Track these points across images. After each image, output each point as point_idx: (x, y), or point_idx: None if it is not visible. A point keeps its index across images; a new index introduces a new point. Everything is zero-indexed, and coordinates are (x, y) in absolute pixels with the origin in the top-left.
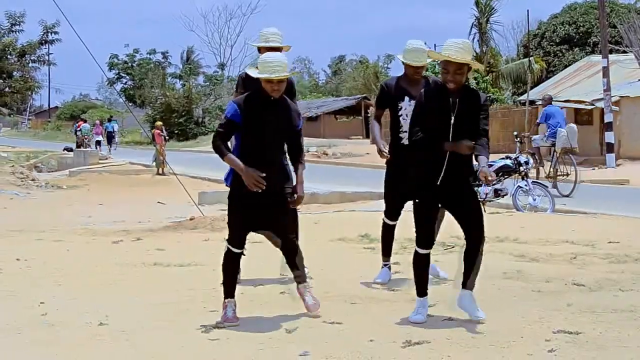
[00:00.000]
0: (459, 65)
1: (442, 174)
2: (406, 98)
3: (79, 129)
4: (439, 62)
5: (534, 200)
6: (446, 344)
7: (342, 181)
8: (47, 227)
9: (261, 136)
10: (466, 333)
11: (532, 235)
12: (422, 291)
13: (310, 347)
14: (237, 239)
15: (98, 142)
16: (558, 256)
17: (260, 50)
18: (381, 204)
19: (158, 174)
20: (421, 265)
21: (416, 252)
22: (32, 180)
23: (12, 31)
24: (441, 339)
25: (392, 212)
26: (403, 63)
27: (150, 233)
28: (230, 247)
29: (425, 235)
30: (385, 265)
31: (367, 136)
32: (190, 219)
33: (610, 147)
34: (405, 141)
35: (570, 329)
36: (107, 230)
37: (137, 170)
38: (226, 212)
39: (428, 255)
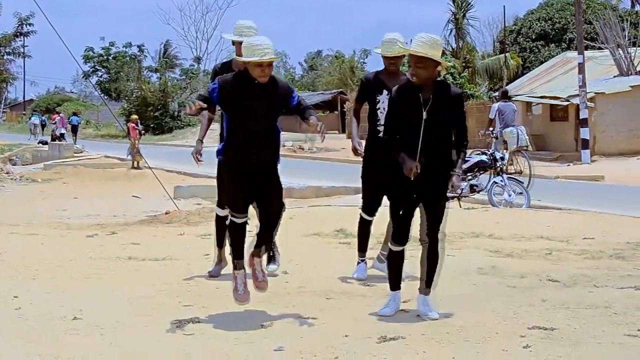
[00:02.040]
0: (419, 58)
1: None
2: (384, 92)
3: (53, 121)
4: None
5: (510, 196)
6: (421, 339)
7: (318, 176)
8: (22, 221)
9: (246, 120)
10: (441, 329)
11: (508, 231)
12: (394, 285)
13: (285, 342)
14: (239, 205)
15: (62, 135)
16: (533, 252)
17: (234, 43)
18: (357, 199)
19: (133, 167)
20: (395, 261)
21: (390, 248)
22: (7, 173)
23: None
24: (416, 334)
25: (370, 207)
26: (381, 56)
27: (125, 227)
28: (233, 216)
29: (400, 232)
30: (361, 260)
31: (344, 131)
32: (166, 213)
33: (585, 143)
34: (382, 134)
35: (545, 325)
36: (81, 224)
37: (112, 164)
38: (201, 207)
39: (402, 251)
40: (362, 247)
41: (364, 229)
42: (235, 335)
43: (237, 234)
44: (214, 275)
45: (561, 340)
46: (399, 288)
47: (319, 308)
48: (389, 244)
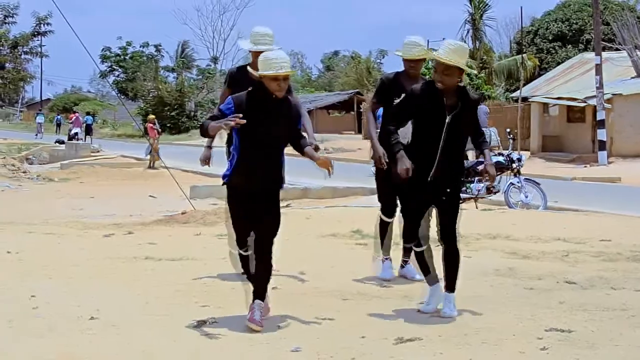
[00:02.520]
0: (447, 66)
1: (433, 171)
2: (403, 95)
3: (71, 121)
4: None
5: (526, 197)
6: (438, 340)
7: (334, 176)
8: (38, 220)
9: (259, 137)
10: (458, 330)
11: (524, 232)
12: (430, 281)
13: (301, 343)
14: (240, 240)
15: (75, 135)
16: (550, 254)
17: (250, 51)
18: (374, 200)
19: (150, 167)
20: (419, 259)
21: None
22: (24, 172)
23: (5, 23)
24: (433, 335)
25: (389, 209)
26: (402, 59)
27: (142, 227)
28: (238, 249)
29: (410, 231)
30: (386, 259)
31: (360, 131)
32: (182, 213)
33: (602, 145)
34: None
35: (563, 327)
36: (98, 224)
37: (128, 164)
38: (217, 207)
39: (421, 248)
40: (386, 247)
41: (384, 229)
42: (252, 336)
43: (247, 262)
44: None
45: (578, 343)
46: (436, 281)
47: (336, 309)
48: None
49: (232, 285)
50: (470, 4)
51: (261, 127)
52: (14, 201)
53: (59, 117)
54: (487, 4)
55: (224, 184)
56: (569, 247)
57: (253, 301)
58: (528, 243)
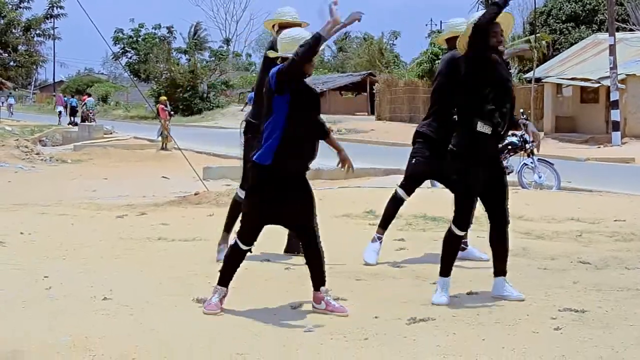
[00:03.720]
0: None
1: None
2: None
3: (83, 103)
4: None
5: (540, 177)
6: (451, 321)
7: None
8: (52, 201)
9: (307, 116)
10: (471, 310)
11: (538, 212)
12: (447, 271)
13: (315, 323)
14: (250, 235)
15: (59, 113)
16: (564, 234)
17: (275, 27)
18: (387, 180)
19: (162, 149)
20: (455, 246)
21: (453, 233)
22: (37, 154)
23: (20, 7)
24: (446, 316)
25: (411, 188)
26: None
27: (155, 208)
28: (239, 241)
29: (468, 217)
30: (379, 238)
31: (372, 112)
32: (195, 194)
33: (616, 125)
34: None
35: (576, 307)
36: (111, 205)
37: (141, 145)
38: (230, 187)
39: (462, 237)
40: (385, 224)
41: (396, 206)
42: (265, 316)
43: (235, 260)
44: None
45: (592, 323)
46: (449, 275)
47: (349, 289)
48: (453, 228)
49: (245, 265)
50: None
51: (309, 105)
52: (27, 183)
53: (73, 99)
54: None
55: (263, 166)
56: (582, 227)
57: (317, 289)
58: (541, 223)
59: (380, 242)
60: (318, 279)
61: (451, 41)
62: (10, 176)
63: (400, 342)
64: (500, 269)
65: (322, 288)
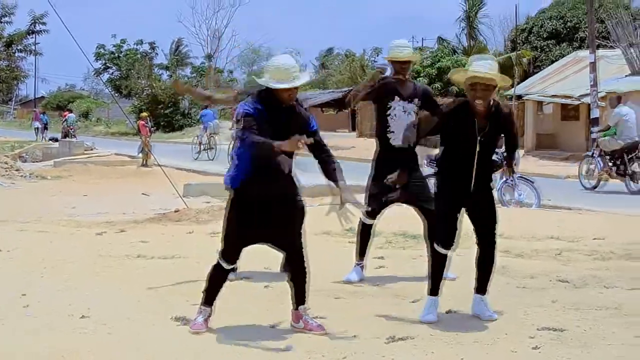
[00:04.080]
0: (487, 84)
1: (472, 187)
2: (396, 98)
3: (64, 119)
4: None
5: (520, 195)
6: (430, 340)
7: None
8: (31, 218)
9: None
10: (450, 329)
11: (518, 230)
12: (435, 290)
13: (294, 341)
14: (232, 254)
15: (37, 129)
16: (543, 252)
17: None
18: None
19: (143, 165)
20: (440, 265)
21: (436, 251)
22: (17, 170)
23: (1, 22)
24: (425, 335)
25: (374, 212)
26: (389, 61)
27: (134, 225)
28: (221, 261)
29: (449, 235)
30: (358, 264)
31: (354, 129)
32: (175, 211)
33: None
34: (394, 141)
35: (555, 326)
36: (91, 222)
37: (122, 162)
38: (210, 205)
39: (446, 255)
40: (362, 251)
41: (366, 233)
42: (245, 335)
43: (218, 279)
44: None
45: (571, 342)
46: (438, 294)
47: (328, 308)
48: (435, 246)
49: (225, 284)
50: (465, 2)
51: (275, 134)
52: (6, 199)
53: (45, 116)
54: (481, 2)
55: (233, 189)
56: (562, 245)
57: (296, 308)
58: (521, 241)
59: (362, 268)
60: (299, 297)
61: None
62: None
63: None
64: (481, 287)
65: (301, 307)
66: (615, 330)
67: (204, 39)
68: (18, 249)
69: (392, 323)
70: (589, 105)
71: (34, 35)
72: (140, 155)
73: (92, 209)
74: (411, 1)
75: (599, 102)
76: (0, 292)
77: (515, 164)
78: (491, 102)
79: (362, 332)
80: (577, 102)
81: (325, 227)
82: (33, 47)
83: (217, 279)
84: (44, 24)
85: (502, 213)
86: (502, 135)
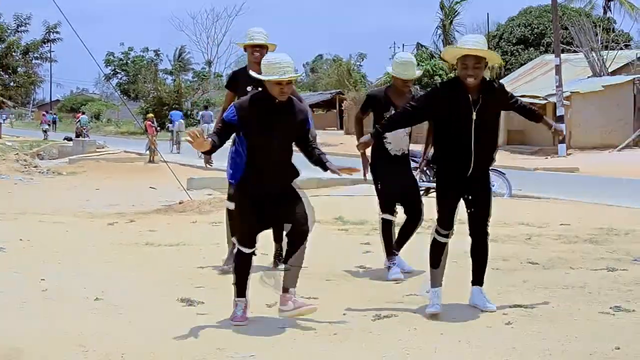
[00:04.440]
0: (479, 58)
1: (471, 169)
2: (392, 109)
3: (77, 120)
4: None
5: (493, 186)
6: (413, 317)
7: (318, 168)
8: (48, 210)
9: (267, 141)
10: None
11: (491, 218)
12: (437, 281)
13: (288, 320)
14: (248, 239)
15: (45, 131)
16: (514, 237)
17: (246, 48)
18: (355, 189)
19: (150, 161)
20: (440, 254)
21: (436, 242)
22: (35, 167)
23: (18, 31)
24: (408, 313)
25: (389, 206)
26: (392, 76)
27: (143, 215)
28: (241, 248)
29: (449, 225)
30: (393, 264)
31: (341, 128)
32: (180, 203)
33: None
34: (392, 151)
35: (526, 304)
36: (103, 213)
37: (131, 158)
38: (212, 197)
39: (446, 244)
40: (390, 251)
41: (388, 230)
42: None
43: (243, 266)
44: (227, 270)
45: (540, 318)
46: (440, 285)
47: (320, 289)
48: (435, 234)
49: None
50: (442, 11)
51: (269, 132)
52: (26, 193)
53: (54, 115)
54: (456, 11)
55: (235, 184)
56: (531, 231)
57: (287, 291)
58: (494, 227)
59: (396, 265)
60: (292, 280)
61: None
62: (10, 187)
63: (366, 336)
64: (477, 279)
65: (291, 289)
66: (580, 307)
67: (204, 46)
68: (37, 239)
69: (378, 302)
70: (555, 104)
71: (49, 44)
72: (148, 152)
73: (104, 201)
74: (392, 11)
75: (564, 101)
76: (21, 278)
77: None
78: (482, 79)
79: (351, 310)
80: (544, 102)
81: (316, 217)
82: (48, 55)
83: (242, 267)
84: (57, 32)
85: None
86: (501, 111)
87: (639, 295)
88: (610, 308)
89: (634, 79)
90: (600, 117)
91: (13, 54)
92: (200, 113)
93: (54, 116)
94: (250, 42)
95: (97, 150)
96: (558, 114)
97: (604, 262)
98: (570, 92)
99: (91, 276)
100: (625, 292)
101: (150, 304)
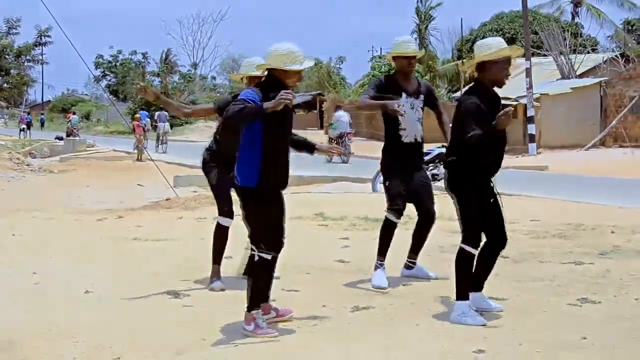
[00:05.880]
0: (509, 60)
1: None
2: (403, 94)
3: (68, 120)
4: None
5: None
6: (390, 309)
7: (299, 166)
8: (40, 207)
9: (286, 132)
10: (407, 300)
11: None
12: (466, 292)
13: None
14: (274, 241)
15: (22, 130)
16: None
17: (244, 79)
18: (335, 187)
19: (138, 160)
20: (469, 267)
21: (465, 252)
22: (27, 165)
23: (10, 34)
24: (385, 304)
25: (398, 210)
26: (395, 58)
27: (131, 212)
28: (264, 254)
29: (479, 234)
30: (380, 265)
31: (321, 127)
32: (166, 200)
33: (531, 138)
34: (406, 139)
35: (498, 296)
36: (93, 209)
37: (120, 157)
38: (197, 194)
39: (474, 255)
40: (384, 251)
41: (390, 231)
42: (227, 306)
43: (265, 273)
44: (217, 289)
45: (511, 309)
46: (468, 296)
47: (301, 282)
48: (463, 246)
49: (210, 262)
50: (417, 15)
51: (287, 122)
52: (18, 190)
53: (42, 116)
54: (432, 16)
55: (251, 188)
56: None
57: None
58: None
59: (384, 269)
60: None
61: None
62: (3, 185)
63: (345, 326)
64: (479, 285)
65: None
66: (550, 299)
67: (190, 50)
68: (29, 234)
69: (356, 295)
70: (525, 105)
71: (40, 47)
72: (136, 151)
73: (94, 198)
74: (370, 16)
75: (534, 103)
76: (14, 271)
77: None
78: None
79: (330, 302)
80: (515, 103)
81: (297, 213)
82: (40, 57)
83: (265, 274)
84: (49, 36)
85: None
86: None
87: (605, 287)
88: (578, 300)
89: (600, 81)
90: (568, 118)
91: (6, 56)
92: (157, 113)
93: (29, 117)
94: (253, 74)
95: (87, 149)
96: (528, 114)
97: (572, 256)
98: (540, 94)
99: (81, 270)
100: (592, 284)
101: (138, 296)
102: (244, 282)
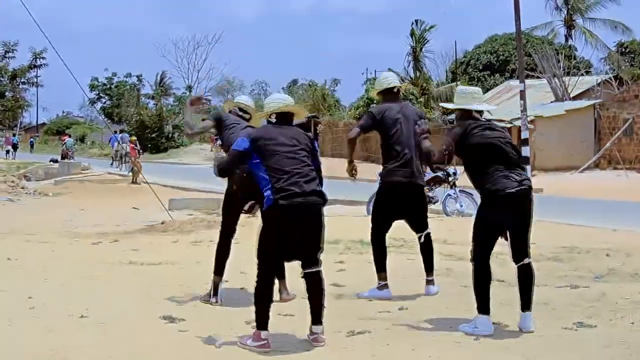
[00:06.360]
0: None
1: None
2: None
3: (63, 142)
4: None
5: (461, 206)
6: (385, 333)
7: None
8: (35, 230)
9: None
10: (402, 324)
11: (460, 237)
12: (484, 308)
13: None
14: (271, 264)
15: (7, 152)
16: None
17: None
18: (329, 210)
19: (133, 182)
20: (484, 280)
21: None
22: (22, 188)
23: (6, 57)
24: (380, 329)
25: (383, 233)
26: (384, 90)
27: (126, 235)
28: (262, 276)
29: (476, 248)
30: (384, 285)
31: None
32: (162, 223)
33: (526, 160)
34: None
35: (493, 320)
36: (87, 233)
37: (114, 180)
38: (193, 217)
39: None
40: (382, 267)
41: (383, 250)
42: (224, 331)
43: (266, 293)
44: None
45: (506, 334)
46: (488, 312)
47: (296, 306)
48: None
49: (207, 285)
50: (412, 38)
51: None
52: (13, 213)
53: (31, 139)
54: (426, 39)
55: (271, 208)
56: (497, 249)
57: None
58: (463, 247)
59: (387, 286)
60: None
61: (386, 94)
62: None
63: (340, 352)
64: (525, 304)
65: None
66: (545, 323)
67: (185, 72)
68: (24, 257)
69: (352, 319)
70: (520, 127)
71: (35, 69)
72: (130, 174)
73: (88, 221)
74: (364, 38)
75: (528, 125)
76: (9, 295)
77: (457, 179)
78: None
79: (326, 327)
80: (509, 125)
81: None
82: (35, 80)
83: (266, 294)
84: (43, 58)
85: (446, 222)
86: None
87: (601, 311)
88: (574, 324)
89: (594, 103)
90: (562, 140)
91: (1, 79)
92: (120, 135)
93: (15, 139)
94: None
95: (82, 171)
96: (523, 136)
97: (567, 280)
98: (534, 116)
99: (76, 294)
100: (587, 308)
101: (133, 320)
102: (240, 302)
